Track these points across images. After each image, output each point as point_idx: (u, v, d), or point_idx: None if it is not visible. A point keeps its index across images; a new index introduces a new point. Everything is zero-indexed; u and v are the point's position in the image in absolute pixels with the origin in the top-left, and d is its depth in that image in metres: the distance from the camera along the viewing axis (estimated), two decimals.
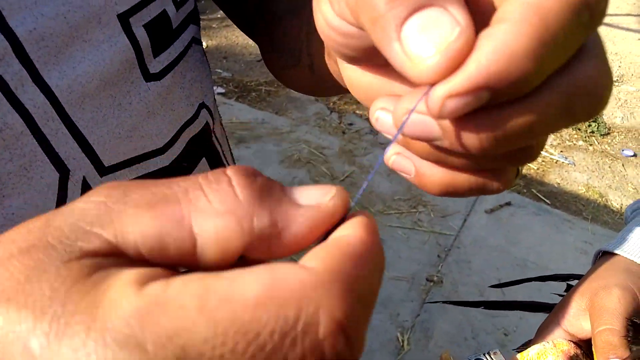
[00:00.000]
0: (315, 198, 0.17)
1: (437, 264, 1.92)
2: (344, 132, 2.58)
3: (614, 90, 2.98)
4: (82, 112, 0.33)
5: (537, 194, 2.28)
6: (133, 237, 0.15)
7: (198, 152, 0.43)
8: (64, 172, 0.32)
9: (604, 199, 2.29)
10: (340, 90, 0.40)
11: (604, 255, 0.53)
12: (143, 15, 0.35)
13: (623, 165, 2.50)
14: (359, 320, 0.15)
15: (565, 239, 2.05)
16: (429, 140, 0.20)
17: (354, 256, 0.15)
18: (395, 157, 0.24)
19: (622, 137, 2.68)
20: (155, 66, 0.37)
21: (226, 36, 3.31)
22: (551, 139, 2.62)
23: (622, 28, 3.58)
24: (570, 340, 0.45)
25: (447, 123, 0.19)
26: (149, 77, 0.37)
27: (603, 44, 0.19)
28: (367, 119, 2.68)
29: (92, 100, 0.33)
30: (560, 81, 0.18)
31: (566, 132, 2.67)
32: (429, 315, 1.74)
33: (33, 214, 0.30)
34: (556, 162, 2.48)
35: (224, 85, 2.91)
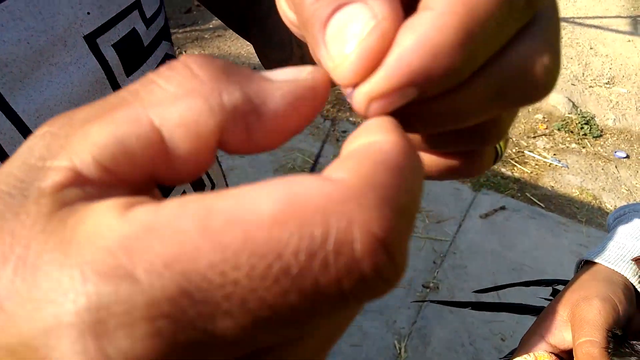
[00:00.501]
0: (290, 73, 0.15)
1: (433, 270, 1.92)
2: (337, 140, 2.59)
3: (606, 92, 3.00)
4: None
5: (532, 197, 2.29)
6: (90, 153, 0.13)
7: None
8: None
9: (597, 201, 2.30)
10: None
11: (586, 263, 0.53)
12: (111, 35, 0.35)
13: (616, 167, 2.51)
14: (401, 235, 0.12)
15: (561, 242, 2.05)
16: None
17: (390, 164, 0.13)
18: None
19: (615, 138, 2.69)
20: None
21: (218, 46, 3.32)
22: (544, 142, 2.64)
23: (612, 30, 3.61)
24: (552, 352, 0.46)
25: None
26: None
27: (555, 21, 0.17)
28: None
29: None
30: (492, 67, 0.16)
31: (559, 135, 2.68)
32: (426, 322, 1.74)
33: None
34: (550, 166, 2.49)
35: None
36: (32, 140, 0.14)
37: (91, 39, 0.34)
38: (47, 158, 0.13)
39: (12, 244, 0.12)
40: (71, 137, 0.13)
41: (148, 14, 0.39)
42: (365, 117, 0.16)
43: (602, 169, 2.49)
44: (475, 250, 2.00)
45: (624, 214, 0.58)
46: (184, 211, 0.11)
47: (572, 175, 2.44)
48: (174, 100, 0.13)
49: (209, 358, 0.11)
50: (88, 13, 0.34)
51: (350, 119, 2.74)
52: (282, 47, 0.45)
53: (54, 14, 0.31)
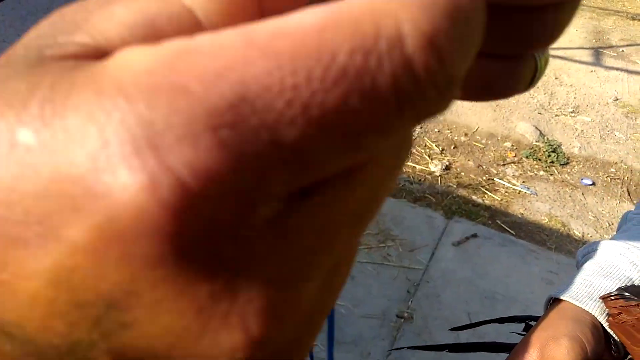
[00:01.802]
0: None
1: (407, 300, 1.91)
2: None
3: (571, 120, 3.10)
4: None
5: (502, 224, 2.32)
6: (116, 31, 0.12)
7: None
8: None
9: (566, 228, 2.35)
10: None
11: (555, 300, 0.54)
12: None
13: (583, 194, 2.57)
14: (454, 39, 0.11)
15: (531, 270, 2.08)
16: None
17: None
18: None
19: (581, 166, 2.77)
20: None
21: None
22: (513, 169, 2.69)
23: (576, 61, 3.75)
24: None
25: None
26: None
27: None
28: None
29: None
30: None
31: (527, 163, 2.74)
32: (400, 354, 1.72)
33: None
34: (519, 193, 2.54)
35: None
36: (54, 17, 0.12)
37: None
38: (68, 30, 0.12)
39: (31, 89, 0.10)
40: (89, 18, 0.12)
41: None
42: None
43: (570, 196, 2.55)
44: (449, 279, 2.00)
45: (592, 251, 0.59)
46: (222, 34, 0.11)
47: (540, 203, 2.49)
48: None
49: (275, 179, 0.10)
50: None
51: None
52: None
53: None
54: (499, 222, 2.34)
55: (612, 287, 0.49)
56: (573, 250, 2.22)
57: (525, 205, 2.47)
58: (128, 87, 0.10)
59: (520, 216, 2.40)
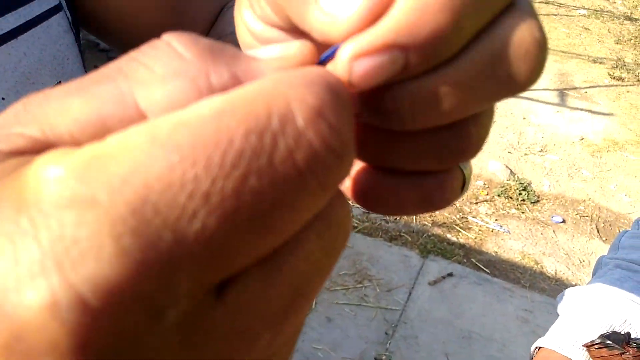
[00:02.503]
0: (277, 50, 0.15)
1: (385, 342, 1.90)
2: None
3: (540, 159, 3.19)
4: None
5: (477, 263, 2.35)
6: (65, 126, 0.12)
7: None
8: None
9: (539, 266, 2.39)
10: None
11: (541, 349, 0.54)
12: None
13: (554, 231, 2.63)
14: (337, 106, 0.12)
15: (507, 308, 2.09)
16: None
17: (317, 71, 0.13)
18: None
19: (551, 204, 2.84)
20: None
21: None
22: (486, 208, 2.74)
23: (542, 102, 3.90)
24: None
25: (363, 92, 0.16)
26: None
27: (532, 5, 0.16)
28: None
29: None
30: (484, 41, 0.15)
31: (499, 201, 2.80)
32: None
33: None
34: (492, 231, 2.58)
35: None
36: (3, 115, 0.13)
37: None
38: (15, 126, 0.12)
39: None
40: (46, 109, 0.13)
41: None
42: (347, 86, 0.15)
43: (541, 234, 2.60)
44: (426, 319, 2.00)
45: (572, 297, 0.60)
46: (129, 133, 0.11)
47: (513, 240, 2.53)
48: (160, 81, 0.13)
49: (183, 279, 0.11)
50: (3, 98, 0.33)
51: None
52: None
53: None
54: (474, 261, 2.36)
55: (594, 334, 0.51)
56: (547, 288, 2.25)
57: (499, 243, 2.51)
58: (43, 202, 0.10)
59: (494, 254, 2.43)
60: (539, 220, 2.70)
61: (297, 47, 0.15)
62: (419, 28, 0.14)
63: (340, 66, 0.15)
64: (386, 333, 1.93)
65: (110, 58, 3.53)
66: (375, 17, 0.15)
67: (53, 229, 0.10)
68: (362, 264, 2.25)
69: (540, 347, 0.55)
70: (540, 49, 0.16)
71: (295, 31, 0.19)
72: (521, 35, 0.15)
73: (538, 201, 2.84)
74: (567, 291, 0.61)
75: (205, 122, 0.11)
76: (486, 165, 3.07)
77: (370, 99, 0.17)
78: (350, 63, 0.15)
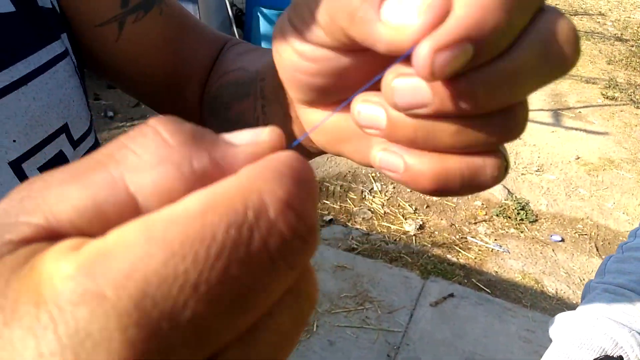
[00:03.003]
0: (250, 137, 0.17)
1: None
2: None
3: (537, 179, 3.21)
4: None
5: (477, 283, 2.35)
6: (66, 214, 0.14)
7: None
8: None
9: (539, 285, 2.38)
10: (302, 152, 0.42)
11: None
12: (37, 159, 0.37)
13: (553, 250, 2.64)
14: (303, 198, 0.15)
15: (509, 329, 2.08)
16: (420, 107, 0.21)
17: (283, 159, 0.16)
18: (382, 153, 0.24)
19: (549, 223, 2.85)
20: None
21: None
22: (485, 227, 2.75)
23: (537, 122, 3.94)
24: None
25: (437, 84, 0.20)
26: None
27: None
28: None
29: None
30: (533, 32, 0.20)
31: (498, 221, 2.81)
32: None
33: None
34: (492, 251, 2.58)
35: None
36: (7, 202, 0.15)
37: (16, 165, 0.35)
38: (20, 214, 0.14)
39: None
40: (48, 198, 0.14)
41: (76, 136, 0.41)
42: (429, 77, 0.19)
43: (541, 253, 2.61)
44: (428, 341, 1.99)
45: (564, 322, 0.61)
46: (127, 231, 0.13)
47: (513, 260, 2.54)
48: (147, 167, 0.15)
49: None
50: (14, 141, 0.35)
51: None
52: None
53: None
54: (474, 281, 2.36)
55: (588, 358, 0.51)
56: (548, 307, 2.25)
57: (499, 263, 2.51)
58: (59, 299, 0.12)
59: (494, 274, 2.43)
60: (538, 239, 2.71)
61: (267, 135, 0.17)
62: (483, 23, 0.18)
63: (422, 61, 0.19)
64: (388, 355, 1.92)
65: (109, 86, 3.52)
66: (438, 21, 0.19)
67: (70, 324, 0.12)
68: (362, 285, 2.25)
69: None
70: (576, 34, 0.20)
71: (345, 48, 0.23)
72: (561, 25, 0.20)
73: (536, 220, 2.85)
74: (558, 316, 0.62)
75: (192, 219, 0.13)
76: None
77: (447, 88, 0.20)
78: (432, 57, 0.18)
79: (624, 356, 0.51)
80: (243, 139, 0.16)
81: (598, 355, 0.51)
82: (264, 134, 0.17)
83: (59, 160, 0.39)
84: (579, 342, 0.53)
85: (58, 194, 0.14)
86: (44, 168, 0.37)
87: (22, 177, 0.36)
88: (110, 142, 0.16)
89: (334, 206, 2.81)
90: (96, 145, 0.45)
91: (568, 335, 0.55)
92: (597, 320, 0.55)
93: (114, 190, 0.14)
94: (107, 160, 0.15)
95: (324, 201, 2.84)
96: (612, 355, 0.51)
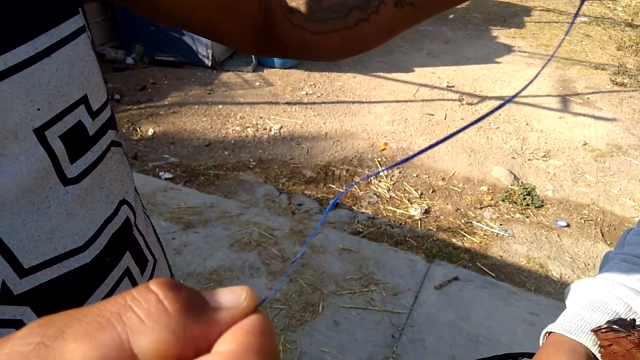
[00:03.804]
0: (232, 301, 0.20)
1: (392, 345, 1.91)
2: (293, 213, 2.61)
3: (544, 164, 3.20)
4: (1, 219, 0.35)
5: (482, 267, 2.36)
6: None
7: (120, 247, 0.45)
8: None
9: (544, 270, 2.40)
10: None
11: (551, 334, 0.57)
12: (59, 127, 0.38)
13: (558, 235, 2.64)
14: (273, 348, 0.19)
15: (513, 312, 2.10)
16: None
17: (256, 329, 0.20)
18: None
19: (555, 208, 2.85)
20: (72, 171, 0.40)
21: (173, 122, 3.36)
22: (490, 212, 2.76)
23: (545, 107, 3.92)
24: None
25: None
26: (66, 181, 0.39)
27: None
28: (316, 199, 2.74)
29: (10, 208, 0.35)
30: None
31: (503, 206, 2.81)
32: None
33: None
34: (497, 235, 2.59)
35: (172, 171, 2.91)
36: (25, 347, 0.17)
37: (40, 132, 0.37)
38: None
39: None
40: (63, 351, 0.17)
41: (94, 107, 0.42)
42: None
43: (546, 238, 2.61)
44: (432, 323, 2.01)
45: (579, 289, 0.62)
46: None
47: (518, 245, 2.54)
48: (151, 333, 0.18)
49: None
50: (38, 109, 0.37)
51: (306, 192, 2.79)
52: (332, 9, 0.46)
53: (7, 110, 0.34)
54: (479, 265, 2.37)
55: (601, 320, 0.53)
56: (552, 292, 2.26)
57: (504, 247, 2.52)
58: None
59: (499, 258, 2.44)
60: (543, 224, 2.71)
61: (245, 300, 0.21)
62: None
63: None
64: (393, 336, 1.94)
65: (115, 69, 3.51)
66: None
67: None
68: (368, 268, 2.27)
69: (550, 332, 0.57)
70: None
71: None
72: None
73: (542, 206, 2.85)
74: (574, 283, 0.64)
75: None
76: (490, 170, 3.09)
77: None
78: None
79: (637, 320, 0.52)
80: (226, 302, 0.20)
81: (611, 318, 0.52)
82: (243, 300, 0.21)
83: (78, 129, 0.40)
84: (593, 305, 0.55)
85: (73, 349, 0.17)
86: (64, 136, 0.39)
87: (45, 143, 0.37)
88: (118, 296, 0.19)
89: (340, 190, 2.82)
90: (112, 119, 0.46)
91: (583, 300, 0.56)
92: (613, 287, 0.56)
93: (121, 351, 0.17)
94: (116, 322, 0.18)
95: (330, 185, 2.86)
96: (626, 318, 0.52)
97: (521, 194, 2.87)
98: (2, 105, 0.34)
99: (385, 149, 3.24)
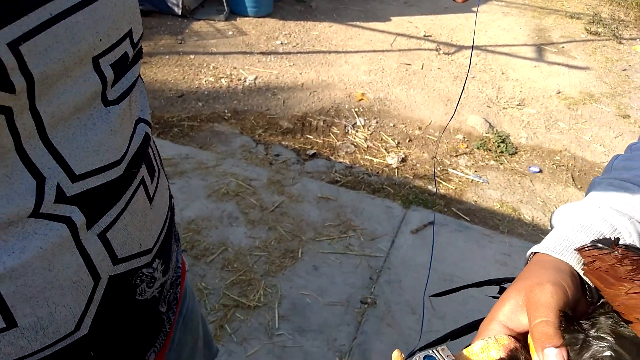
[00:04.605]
0: None
1: (370, 286, 1.96)
2: (271, 164, 2.60)
3: (518, 112, 3.24)
4: (57, 131, 0.41)
5: (457, 212, 2.41)
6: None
7: (140, 160, 0.51)
8: (40, 179, 0.40)
9: (517, 213, 2.46)
10: None
11: (536, 254, 0.57)
12: (110, 56, 0.44)
13: (531, 181, 2.70)
14: None
15: (486, 253, 2.16)
16: None
17: None
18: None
19: (528, 155, 2.90)
20: (113, 94, 0.46)
21: (144, 73, 3.26)
22: (465, 160, 2.79)
23: (520, 57, 3.93)
24: (510, 335, 0.48)
25: None
26: (108, 103, 0.45)
27: None
28: (294, 149, 2.73)
29: (65, 122, 0.41)
30: None
31: (478, 154, 2.85)
32: (366, 337, 1.76)
33: (14, 210, 0.39)
34: (472, 182, 2.63)
35: None
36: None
37: (96, 60, 0.42)
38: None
39: None
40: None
41: (135, 39, 0.48)
42: None
43: (519, 183, 2.67)
44: (409, 265, 2.06)
45: (565, 212, 0.62)
46: None
47: (492, 190, 2.60)
48: None
49: None
50: (100, 40, 0.42)
51: (283, 142, 2.77)
52: None
53: (80, 40, 0.40)
54: (454, 210, 2.42)
55: (586, 240, 0.53)
56: (524, 233, 2.33)
57: (478, 193, 2.57)
58: None
59: (473, 203, 2.49)
60: (516, 170, 2.77)
61: None
62: None
63: None
64: (370, 278, 1.99)
65: None
66: None
67: None
68: (346, 215, 2.30)
69: (535, 253, 0.57)
70: None
71: None
72: None
73: (516, 153, 2.90)
74: (560, 207, 0.64)
75: None
76: (466, 119, 3.11)
77: None
78: None
79: (620, 240, 0.52)
80: None
81: (595, 238, 0.53)
82: None
83: (123, 59, 0.46)
84: (579, 227, 0.55)
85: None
86: (113, 65, 0.44)
87: (98, 70, 0.43)
88: None
89: (317, 140, 2.81)
90: (141, 50, 0.52)
91: (568, 222, 0.57)
92: (599, 209, 0.56)
93: None
94: None
95: (307, 136, 2.84)
96: (610, 238, 0.52)
97: (496, 141, 2.91)
98: (77, 34, 0.39)
99: (362, 99, 3.22)
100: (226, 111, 2.99)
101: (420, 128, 3.02)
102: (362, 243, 2.15)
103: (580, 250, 0.52)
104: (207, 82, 3.23)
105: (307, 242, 2.13)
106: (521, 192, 2.61)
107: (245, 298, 1.87)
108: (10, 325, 0.41)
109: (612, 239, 0.52)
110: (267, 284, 1.93)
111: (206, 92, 3.14)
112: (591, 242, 0.53)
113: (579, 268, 0.52)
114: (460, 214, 2.39)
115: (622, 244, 0.52)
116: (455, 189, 2.58)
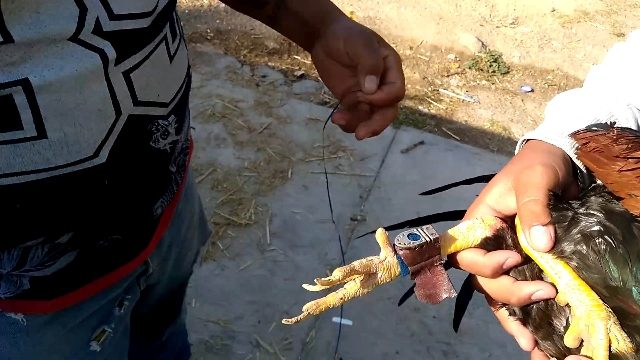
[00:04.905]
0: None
1: (360, 204, 1.97)
2: (257, 85, 2.53)
3: (512, 31, 3.15)
4: None
5: (447, 131, 2.39)
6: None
7: (165, 17, 0.56)
8: (83, 9, 0.45)
9: (507, 132, 2.45)
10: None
11: (529, 141, 0.56)
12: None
13: (522, 100, 2.67)
14: None
15: (476, 171, 2.17)
16: None
17: None
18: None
19: (520, 74, 2.85)
20: None
21: None
22: (457, 80, 2.74)
23: None
24: (497, 216, 0.47)
25: None
26: None
27: None
28: (281, 70, 2.65)
29: None
30: None
31: (470, 73, 2.80)
32: (355, 252, 1.79)
33: (58, 30, 0.44)
34: (463, 102, 2.60)
35: None
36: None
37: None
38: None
39: None
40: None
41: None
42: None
43: (510, 103, 2.64)
44: (398, 183, 2.07)
45: (561, 100, 0.60)
46: None
47: (483, 110, 2.57)
48: None
49: None
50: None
51: (269, 63, 2.68)
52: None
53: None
54: (445, 129, 2.40)
55: (581, 126, 0.51)
56: (513, 152, 2.33)
57: (469, 112, 2.54)
58: None
59: (464, 123, 2.47)
60: (508, 90, 2.73)
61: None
62: None
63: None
64: (360, 196, 2.00)
65: None
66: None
67: None
68: (336, 137, 2.27)
69: (528, 140, 0.56)
70: None
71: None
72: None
73: (508, 72, 2.85)
74: (557, 96, 0.61)
75: None
76: (458, 38, 3.02)
77: None
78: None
79: (616, 124, 0.51)
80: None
81: (591, 123, 0.51)
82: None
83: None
84: (575, 114, 0.53)
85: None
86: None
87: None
88: None
89: (305, 61, 2.72)
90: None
91: (563, 109, 0.55)
92: (596, 95, 0.54)
93: None
94: None
95: (294, 56, 2.75)
96: (606, 122, 0.50)
97: (488, 60, 2.85)
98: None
99: (351, 17, 3.10)
100: (209, 31, 2.87)
101: (411, 48, 2.94)
102: (352, 163, 2.14)
103: (574, 134, 0.51)
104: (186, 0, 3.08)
105: (296, 163, 2.12)
106: (512, 111, 2.59)
107: (236, 216, 1.87)
108: (40, 136, 0.47)
109: (609, 123, 0.51)
110: (258, 203, 1.93)
111: (186, 11, 3.00)
112: (586, 127, 0.51)
113: (572, 153, 0.51)
114: (451, 134, 2.38)
115: (618, 127, 0.50)
116: (446, 109, 2.54)
